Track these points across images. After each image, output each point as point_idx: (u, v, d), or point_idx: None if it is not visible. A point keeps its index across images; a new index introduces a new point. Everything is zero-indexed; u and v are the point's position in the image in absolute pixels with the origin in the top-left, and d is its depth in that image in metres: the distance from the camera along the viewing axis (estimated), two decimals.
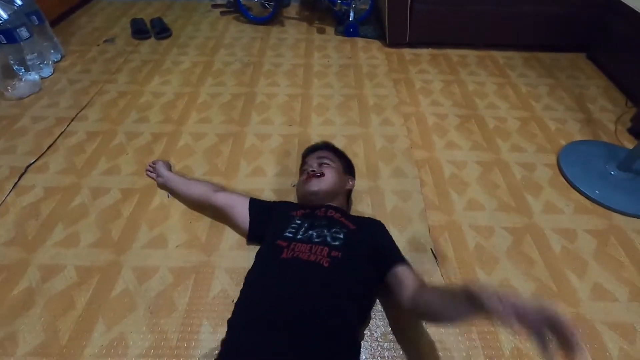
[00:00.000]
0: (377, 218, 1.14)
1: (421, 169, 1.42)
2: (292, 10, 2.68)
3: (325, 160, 1.13)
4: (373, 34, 2.32)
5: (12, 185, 1.32)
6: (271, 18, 2.43)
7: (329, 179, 1.08)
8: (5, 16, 1.68)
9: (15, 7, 1.74)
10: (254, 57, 2.11)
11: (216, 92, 1.82)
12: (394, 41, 2.19)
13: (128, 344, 0.91)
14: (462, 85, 1.90)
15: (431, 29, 2.15)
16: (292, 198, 1.28)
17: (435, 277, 1.07)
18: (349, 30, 2.31)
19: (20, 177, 1.34)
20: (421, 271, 1.06)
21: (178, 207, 1.26)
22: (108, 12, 2.58)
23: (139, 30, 2.28)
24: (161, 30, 2.28)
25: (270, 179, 1.38)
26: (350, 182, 1.20)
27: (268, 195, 1.31)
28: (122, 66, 2.00)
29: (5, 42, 1.70)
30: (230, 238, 1.16)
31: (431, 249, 1.14)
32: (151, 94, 1.80)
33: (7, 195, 1.28)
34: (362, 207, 1.27)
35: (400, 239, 1.15)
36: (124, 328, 0.94)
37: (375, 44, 2.26)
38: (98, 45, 2.19)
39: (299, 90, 1.85)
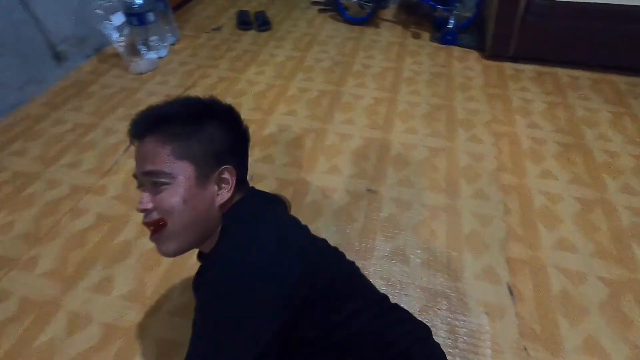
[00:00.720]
0: (451, 238, 1.09)
1: (508, 194, 1.32)
2: (389, 12, 2.64)
3: (158, 178, 0.58)
4: (472, 44, 2.20)
5: (125, 148, 1.52)
6: (368, 19, 2.43)
7: (174, 223, 0.58)
8: (140, 1, 1.92)
9: None
10: (345, 57, 2.13)
11: (305, 87, 1.89)
12: (495, 53, 2.04)
13: None
14: (568, 109, 1.71)
15: (540, 43, 1.96)
16: (365, 202, 1.28)
17: (508, 315, 0.99)
18: (446, 37, 2.21)
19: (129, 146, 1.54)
20: (493, 305, 0.99)
21: None
22: (218, 3, 2.81)
23: (243, 22, 2.45)
24: (263, 23, 2.42)
25: (345, 179, 1.39)
26: (223, 186, 0.63)
27: (340, 196, 1.32)
28: (225, 54, 2.17)
29: (136, 23, 1.95)
30: None
31: (507, 284, 1.05)
32: (246, 82, 1.93)
33: (121, 155, 1.49)
34: (436, 224, 1.22)
35: (473, 266, 1.08)
36: None
37: (473, 55, 2.13)
38: (207, 32, 2.40)
39: (385, 94, 1.83)
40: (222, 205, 0.62)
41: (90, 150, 1.52)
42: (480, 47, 2.15)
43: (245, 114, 1.64)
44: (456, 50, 2.18)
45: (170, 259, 1.08)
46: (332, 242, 0.69)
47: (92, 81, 1.93)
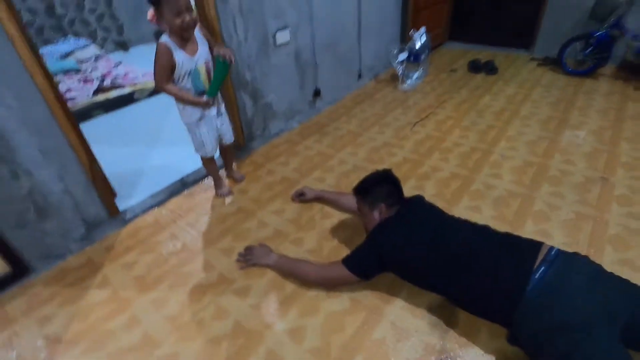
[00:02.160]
0: None
1: None
2: (609, 69, 3.02)
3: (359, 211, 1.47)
4: None
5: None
6: (585, 74, 2.89)
7: (364, 225, 1.59)
8: (417, 46, 2.93)
9: (422, 43, 2.99)
10: (557, 113, 2.60)
11: (522, 132, 2.41)
12: None
13: None
14: None
15: None
16: None
17: None
18: None
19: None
20: None
21: None
22: (454, 53, 3.73)
23: (475, 67, 3.25)
24: (491, 69, 3.17)
25: None
26: (379, 213, 1.37)
27: None
28: (459, 90, 2.97)
29: (412, 60, 2.96)
30: None
31: None
32: (475, 113, 2.63)
33: None
34: None
35: None
36: None
37: None
38: (446, 72, 3.29)
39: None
40: (379, 221, 1.33)
41: (387, 127, 2.46)
42: None
43: (470, 144, 2.35)
44: None
45: None
46: None
47: (378, 91, 3.00)
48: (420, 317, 1.26)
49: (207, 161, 1.82)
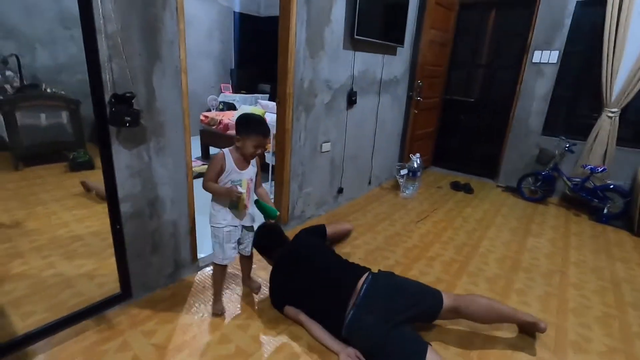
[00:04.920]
0: None
1: None
2: (555, 199, 4.00)
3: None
4: (622, 226, 3.30)
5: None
6: (538, 201, 3.84)
7: None
8: (415, 165, 3.84)
9: (418, 164, 3.91)
10: (522, 225, 3.48)
11: (498, 235, 3.24)
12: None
13: None
14: None
15: None
16: None
17: None
18: (602, 219, 3.39)
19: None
20: None
21: None
22: (437, 175, 4.72)
23: (456, 187, 4.17)
24: (469, 190, 4.09)
25: None
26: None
27: None
28: (447, 202, 3.81)
29: (411, 176, 3.83)
30: None
31: None
32: (461, 218, 3.42)
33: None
34: None
35: None
36: None
37: (624, 233, 3.21)
38: (434, 188, 4.18)
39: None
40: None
41: (396, 222, 3.13)
42: (629, 228, 3.24)
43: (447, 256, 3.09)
44: (609, 230, 3.29)
45: None
46: None
47: (383, 195, 3.77)
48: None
49: (220, 269, 1.85)
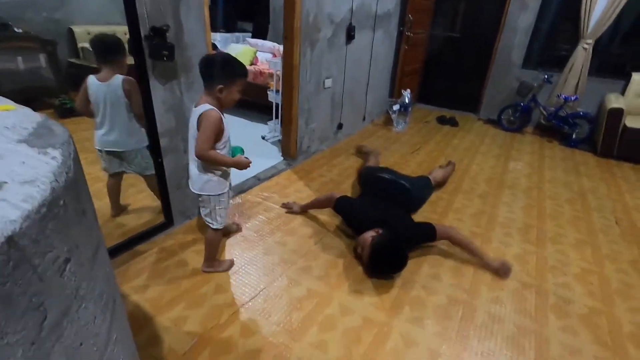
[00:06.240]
0: None
1: None
2: (530, 128, 4.38)
3: None
4: (588, 149, 3.74)
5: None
6: (516, 130, 4.20)
7: None
8: (406, 101, 4.03)
9: (409, 99, 4.10)
10: (503, 151, 3.84)
11: (485, 160, 3.59)
12: (604, 154, 3.54)
13: None
14: None
15: (632, 150, 3.42)
16: None
17: None
18: (571, 144, 3.81)
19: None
20: None
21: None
22: (424, 111, 4.95)
23: (442, 121, 4.44)
24: (454, 123, 4.38)
25: None
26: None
27: None
28: (435, 134, 4.09)
29: (402, 110, 4.03)
30: None
31: None
32: (451, 148, 3.73)
33: None
34: None
35: None
36: None
37: (589, 155, 3.66)
38: (422, 123, 4.43)
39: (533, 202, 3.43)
40: None
41: (394, 153, 3.39)
42: (593, 150, 3.69)
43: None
44: (577, 153, 3.73)
45: None
46: None
47: (377, 131, 3.98)
48: (423, 327, 1.57)
49: (220, 232, 1.75)
